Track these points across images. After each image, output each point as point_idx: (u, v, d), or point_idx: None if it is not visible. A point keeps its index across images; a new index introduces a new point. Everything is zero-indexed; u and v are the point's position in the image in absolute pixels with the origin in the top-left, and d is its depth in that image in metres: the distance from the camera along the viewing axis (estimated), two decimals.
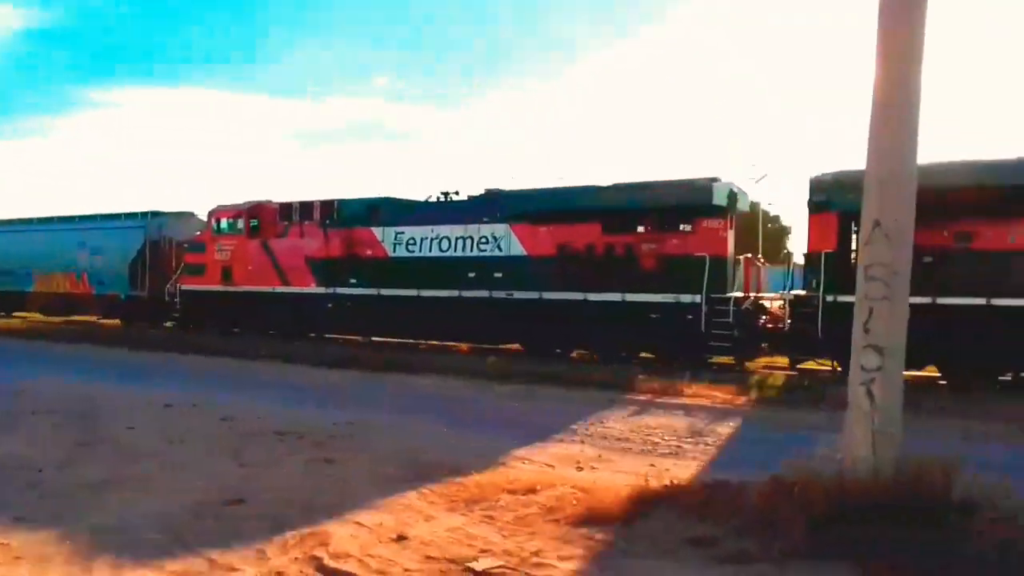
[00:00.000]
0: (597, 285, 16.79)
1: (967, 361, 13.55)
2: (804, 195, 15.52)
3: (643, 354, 17.13)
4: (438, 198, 20.16)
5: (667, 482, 6.25)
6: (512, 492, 6.47)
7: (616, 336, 16.74)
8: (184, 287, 23.46)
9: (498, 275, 18.21)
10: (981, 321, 13.31)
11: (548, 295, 17.37)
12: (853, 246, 15.04)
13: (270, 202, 22.70)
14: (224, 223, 22.90)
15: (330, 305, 20.87)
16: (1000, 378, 13.61)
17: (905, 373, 14.80)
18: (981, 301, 13.17)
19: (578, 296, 16.98)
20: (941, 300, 13.46)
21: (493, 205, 18.62)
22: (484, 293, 18.20)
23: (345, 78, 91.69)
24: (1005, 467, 5.74)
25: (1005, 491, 5.07)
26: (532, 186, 19.00)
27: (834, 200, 14.73)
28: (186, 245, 24.05)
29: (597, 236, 17.09)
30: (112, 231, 25.75)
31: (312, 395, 12.90)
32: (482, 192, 19.24)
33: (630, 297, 16.38)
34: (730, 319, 15.46)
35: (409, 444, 8.56)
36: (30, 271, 27.92)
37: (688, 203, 16.07)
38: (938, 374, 14.44)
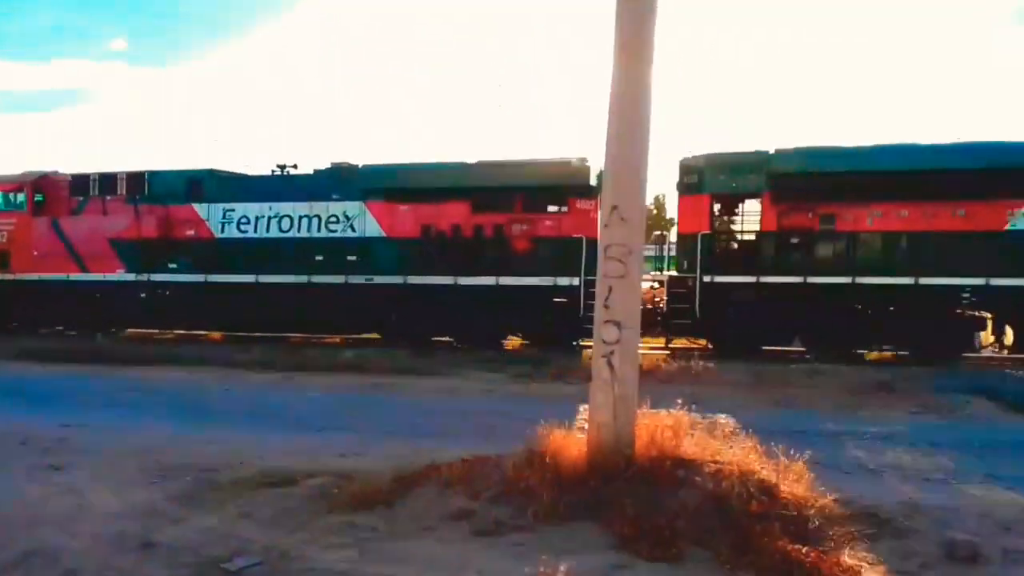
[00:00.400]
0: (467, 268, 15.85)
1: (833, 336, 14.32)
2: (673, 177, 15.68)
3: (513, 338, 16.60)
4: (273, 172, 18.03)
5: (429, 461, 6.14)
6: (271, 485, 6.15)
7: (488, 321, 15.93)
8: None
9: (352, 258, 16.64)
10: (846, 298, 14.16)
11: (414, 279, 16.13)
12: (727, 227, 15.44)
13: (57, 173, 19.13)
14: None
15: (144, 295, 18.00)
16: (857, 351, 14.55)
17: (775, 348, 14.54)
18: (847, 279, 13.99)
19: (447, 280, 15.93)
20: (811, 279, 14.15)
21: (344, 181, 16.93)
22: (338, 278, 16.54)
23: (73, 40, 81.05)
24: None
25: (724, 446, 5.66)
26: (391, 160, 17.56)
27: (706, 182, 14.96)
28: None
29: (466, 216, 16.10)
30: None
31: (43, 395, 11.53)
32: (330, 166, 17.45)
33: (505, 280, 15.61)
34: None
35: (153, 444, 7.89)
36: None
37: (563, 183, 15.58)
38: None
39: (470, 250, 15.99)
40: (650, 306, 16.10)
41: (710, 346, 15.23)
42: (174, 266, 17.62)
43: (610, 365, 5.62)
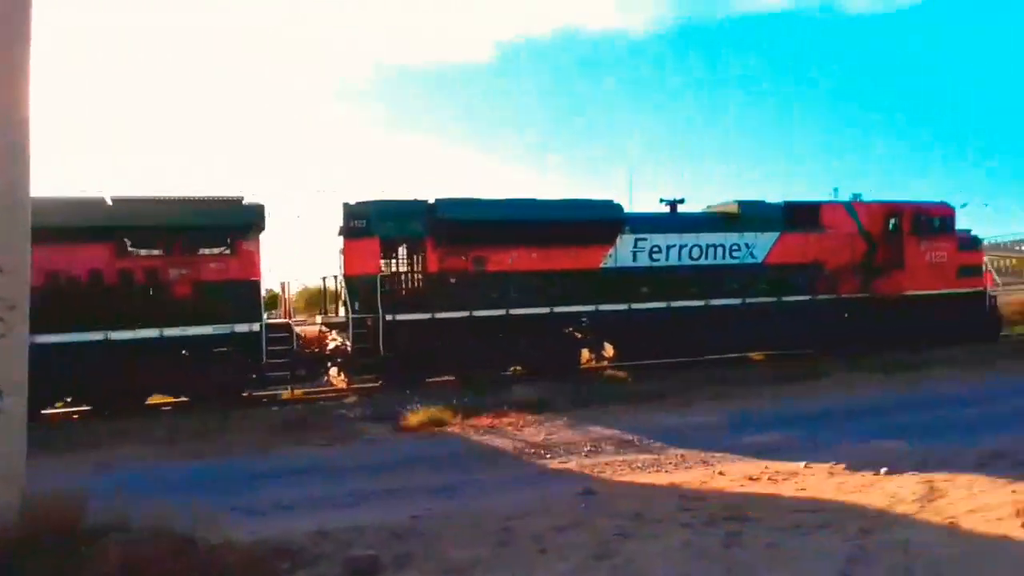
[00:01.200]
0: (117, 320, 13.65)
1: (488, 361, 16.36)
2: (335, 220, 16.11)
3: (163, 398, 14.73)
4: None
5: None
6: None
7: (148, 380, 13.96)
8: None
9: None
10: (501, 328, 16.41)
11: (43, 339, 13.14)
12: (396, 268, 16.41)
13: None
14: None
15: None
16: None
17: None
18: (502, 312, 16.28)
19: (93, 336, 13.45)
20: (476, 313, 16.07)
21: None
22: None
23: None
24: (142, 488, 6.65)
25: (137, 511, 5.44)
26: None
27: (374, 226, 15.82)
28: None
29: (108, 260, 13.88)
30: None
31: None
32: None
33: (170, 332, 13.89)
34: (293, 346, 14.85)
35: None
36: None
37: (229, 223, 14.63)
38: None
39: (118, 299, 13.83)
40: (317, 348, 16.07)
41: (382, 382, 15.94)
42: None
43: None
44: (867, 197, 21.24)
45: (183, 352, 14.29)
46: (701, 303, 18.12)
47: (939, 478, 7.03)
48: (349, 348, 15.54)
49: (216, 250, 14.68)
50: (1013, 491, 6.40)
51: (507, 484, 8.28)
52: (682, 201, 19.26)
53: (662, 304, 17.74)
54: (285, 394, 15.66)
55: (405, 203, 16.29)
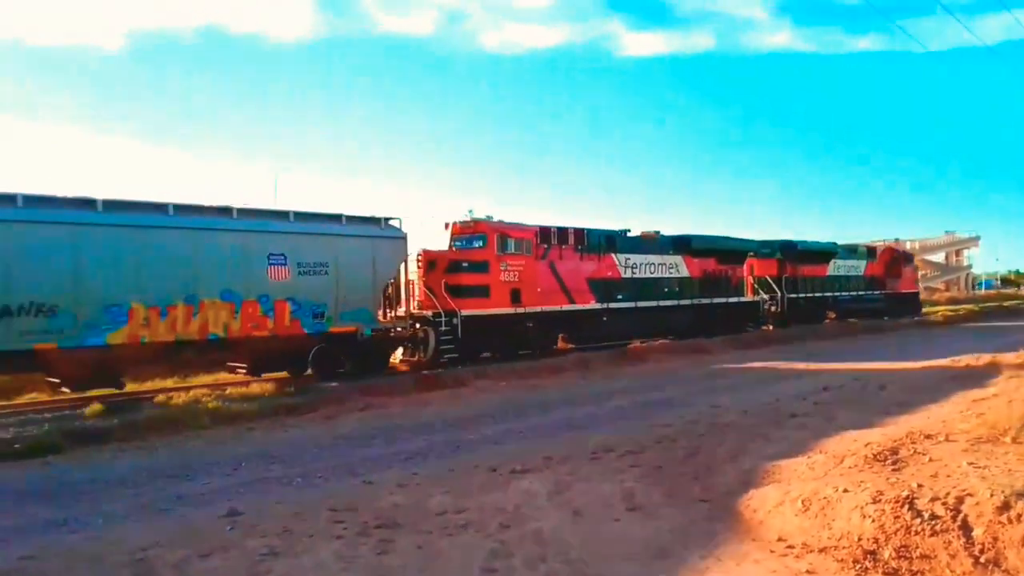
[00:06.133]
0: (714, 293, 30.28)
1: (802, 316, 35.22)
2: None
3: None
4: (622, 233, 27.37)
5: None
6: None
7: (721, 324, 30.75)
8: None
9: (677, 288, 28.46)
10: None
11: (698, 300, 29.44)
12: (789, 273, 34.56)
13: (524, 225, 23.14)
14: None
15: (605, 318, 24.97)
16: None
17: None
18: (808, 295, 35.33)
19: (718, 299, 30.01)
20: (802, 294, 34.96)
21: (668, 243, 28.50)
22: (670, 302, 28.15)
23: None
24: None
25: None
26: (690, 231, 29.40)
27: (776, 253, 33.99)
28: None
29: (714, 266, 30.26)
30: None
31: None
32: (674, 235, 28.54)
33: (734, 299, 30.79)
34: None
35: None
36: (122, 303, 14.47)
37: (746, 249, 31.73)
38: None
39: (715, 283, 30.28)
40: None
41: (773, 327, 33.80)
42: (620, 296, 25.50)
43: None
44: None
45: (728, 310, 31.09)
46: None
47: (563, 471, 8.02)
48: (772, 309, 33.35)
49: (740, 261, 31.67)
50: (622, 480, 7.56)
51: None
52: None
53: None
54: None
55: (777, 240, 34.50)
